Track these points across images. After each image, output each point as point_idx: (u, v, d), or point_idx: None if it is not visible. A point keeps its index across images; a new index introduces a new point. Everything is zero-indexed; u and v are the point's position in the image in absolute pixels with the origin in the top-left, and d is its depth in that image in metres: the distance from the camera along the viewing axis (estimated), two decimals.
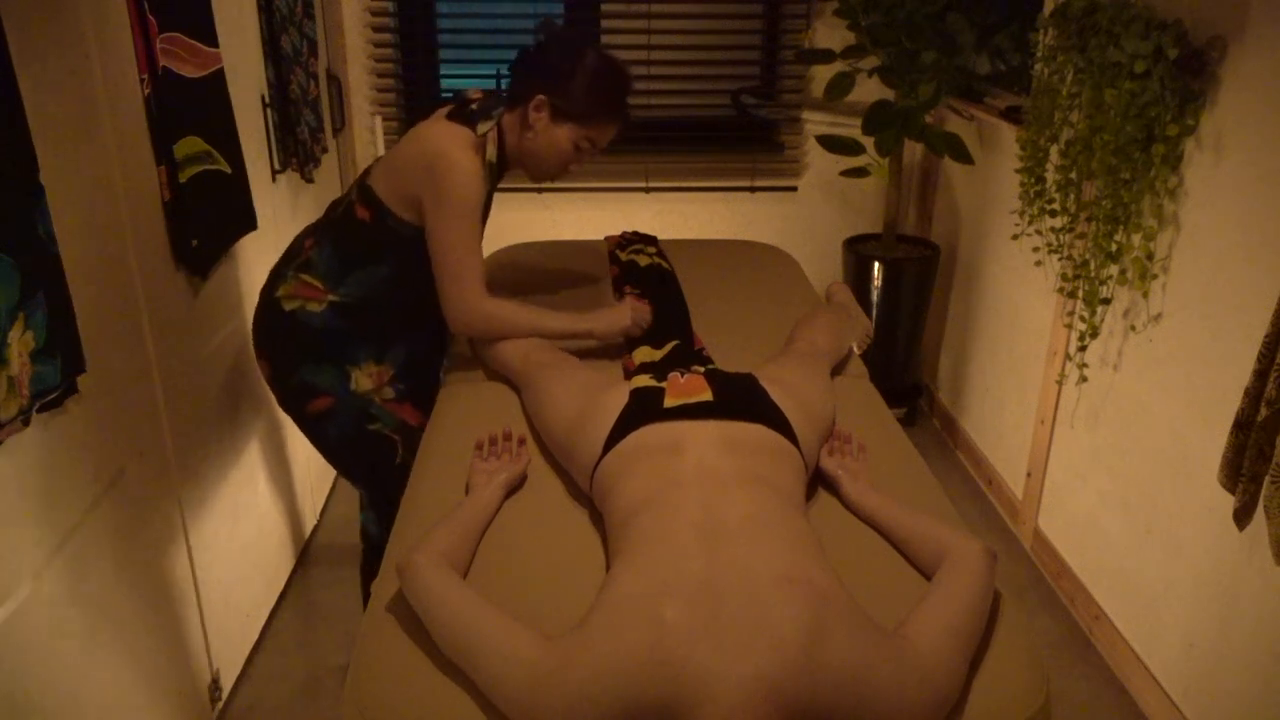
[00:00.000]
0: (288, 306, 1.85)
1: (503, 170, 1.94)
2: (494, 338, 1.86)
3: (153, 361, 1.80)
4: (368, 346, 1.90)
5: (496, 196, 2.97)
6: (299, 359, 1.88)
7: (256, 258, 2.34)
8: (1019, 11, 3.00)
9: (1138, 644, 2.26)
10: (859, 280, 3.32)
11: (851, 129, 3.49)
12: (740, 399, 1.50)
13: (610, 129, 1.88)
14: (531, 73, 1.82)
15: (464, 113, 1.83)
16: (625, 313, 1.94)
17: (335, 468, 2.01)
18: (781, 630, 1.05)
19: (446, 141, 1.74)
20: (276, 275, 1.90)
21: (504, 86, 1.90)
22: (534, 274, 2.47)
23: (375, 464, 1.96)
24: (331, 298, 1.85)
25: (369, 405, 1.92)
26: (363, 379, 1.91)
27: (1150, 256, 2.17)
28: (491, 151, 1.84)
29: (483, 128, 1.81)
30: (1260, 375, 1.59)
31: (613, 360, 1.96)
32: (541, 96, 1.80)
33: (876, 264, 3.27)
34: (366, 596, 2.04)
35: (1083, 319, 2.36)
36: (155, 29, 1.77)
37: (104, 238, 1.62)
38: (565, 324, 1.89)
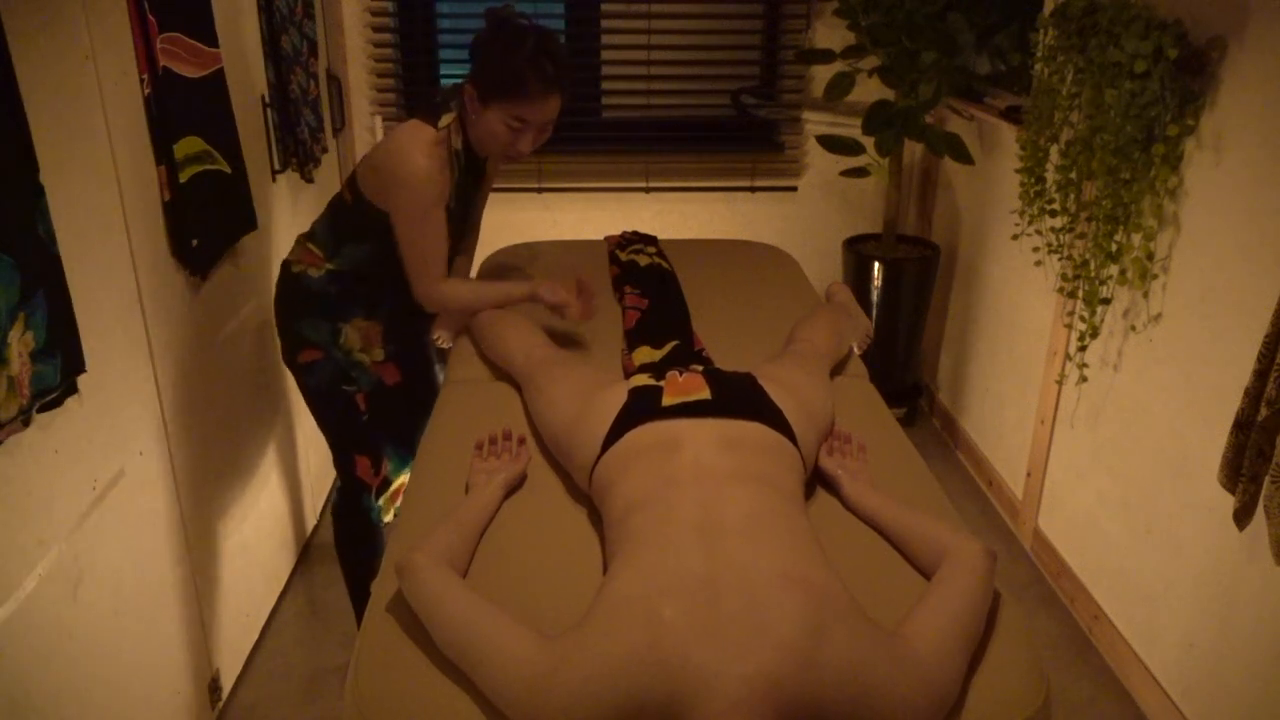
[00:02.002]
0: (295, 270, 2.07)
1: (476, 155, 2.05)
2: (455, 312, 2.06)
3: (153, 361, 1.80)
4: (358, 306, 2.08)
5: (496, 195, 2.96)
6: (300, 313, 2.07)
7: (256, 258, 2.34)
8: (1019, 11, 3.00)
9: (1138, 644, 2.26)
10: (859, 280, 3.32)
11: (851, 129, 3.49)
12: (739, 398, 1.50)
13: (539, 104, 1.86)
14: (469, 60, 1.91)
15: (429, 105, 1.95)
16: (563, 287, 1.99)
17: (312, 414, 2.19)
18: (780, 629, 1.05)
19: (406, 142, 1.87)
20: (296, 242, 2.12)
21: None
22: (534, 274, 2.47)
23: (339, 418, 2.15)
24: (328, 265, 2.04)
25: (351, 366, 2.10)
26: (352, 334, 2.09)
27: (1150, 256, 2.17)
28: (457, 140, 1.97)
29: (444, 121, 1.92)
30: (1260, 375, 1.59)
31: (613, 360, 1.96)
32: (468, 83, 1.90)
33: (876, 264, 3.27)
34: (350, 579, 2.27)
35: (1083, 319, 2.36)
36: (155, 29, 1.77)
37: (104, 238, 1.62)
38: (511, 289, 2.03)
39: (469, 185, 2.10)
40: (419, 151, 1.86)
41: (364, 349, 2.10)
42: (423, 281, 1.95)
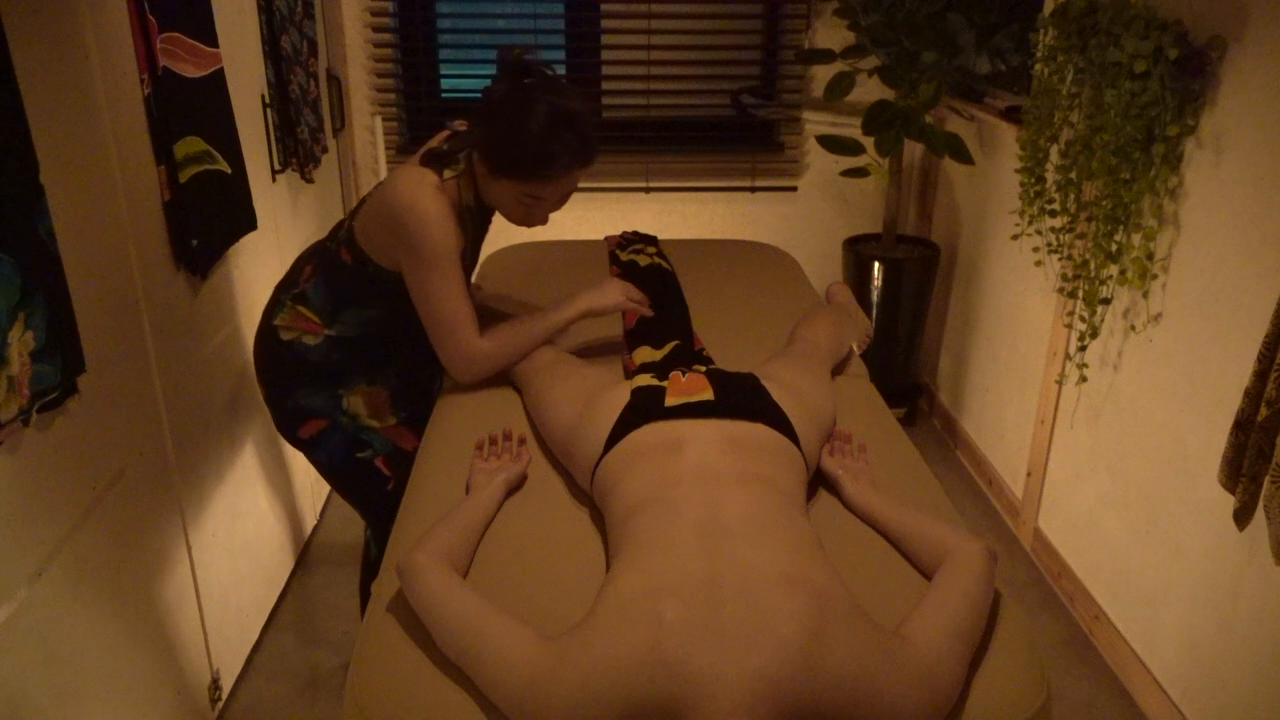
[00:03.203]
0: (285, 336, 1.84)
1: (487, 210, 1.86)
2: (501, 370, 1.81)
3: (153, 361, 1.80)
4: (360, 373, 1.90)
5: None
6: (295, 384, 1.88)
7: (256, 258, 2.34)
8: (1019, 11, 3.00)
9: (1138, 644, 2.26)
10: (859, 280, 3.32)
11: (851, 129, 3.49)
12: (741, 398, 1.50)
13: (555, 183, 1.67)
14: (478, 120, 1.69)
15: (436, 154, 1.74)
16: (615, 286, 1.87)
17: (333, 489, 2.03)
18: (781, 629, 1.05)
19: (412, 190, 1.65)
20: (276, 301, 1.88)
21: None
22: (534, 274, 2.47)
23: (364, 490, 1.96)
24: (328, 332, 1.84)
25: (360, 431, 1.91)
26: (357, 402, 1.90)
27: (1150, 256, 2.17)
28: (468, 195, 1.76)
29: (449, 174, 1.72)
30: (1260, 375, 1.59)
31: (613, 360, 1.96)
32: (477, 148, 1.70)
33: (876, 264, 3.27)
34: (364, 604, 2.08)
35: (1083, 319, 2.36)
36: (155, 29, 1.77)
37: (104, 238, 1.62)
38: (559, 317, 1.82)
39: (479, 233, 1.90)
40: (426, 196, 1.65)
41: (373, 415, 1.92)
42: (455, 345, 1.72)
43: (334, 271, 1.81)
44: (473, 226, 1.82)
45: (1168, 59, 1.96)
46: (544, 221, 1.76)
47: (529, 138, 1.61)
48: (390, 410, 1.93)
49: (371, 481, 1.92)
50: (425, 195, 1.65)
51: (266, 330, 1.87)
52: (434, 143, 1.80)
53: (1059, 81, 2.34)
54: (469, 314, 1.72)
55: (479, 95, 1.68)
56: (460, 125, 1.80)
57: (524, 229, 2.77)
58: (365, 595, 2.14)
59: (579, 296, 1.86)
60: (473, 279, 2.30)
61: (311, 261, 1.86)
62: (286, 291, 1.87)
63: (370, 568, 2.10)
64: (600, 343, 2.05)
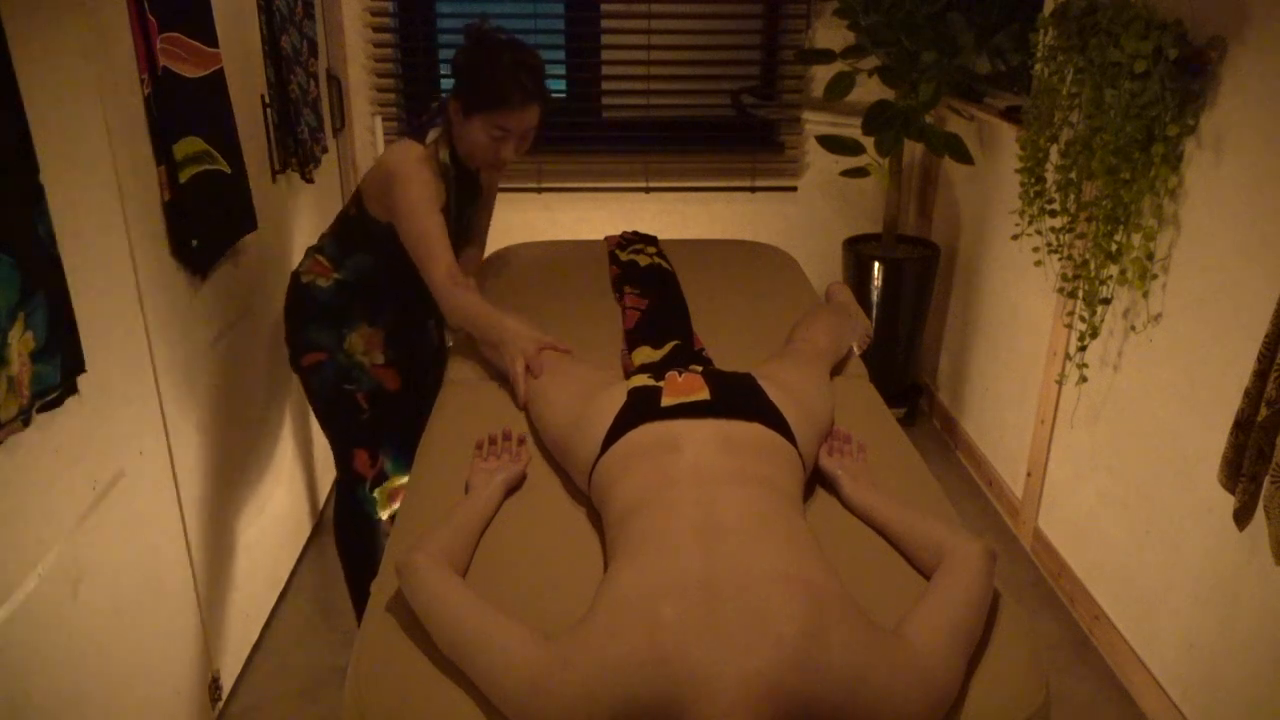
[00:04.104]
0: (304, 280, 2.16)
1: (465, 168, 2.12)
2: (460, 321, 1.99)
3: (153, 361, 1.80)
4: (362, 314, 2.16)
5: (497, 195, 2.95)
6: (308, 320, 2.16)
7: (256, 258, 2.34)
8: (1019, 11, 3.00)
9: (1138, 644, 2.26)
10: (859, 280, 3.32)
11: (851, 129, 3.49)
12: (738, 398, 1.50)
13: (519, 113, 1.96)
14: (452, 76, 2.02)
15: (420, 124, 2.08)
16: (522, 343, 1.85)
17: (315, 415, 2.25)
18: (780, 629, 1.05)
19: (397, 158, 1.99)
20: (305, 254, 2.20)
21: None
22: (534, 274, 2.47)
23: (343, 417, 2.20)
24: (336, 275, 2.13)
25: (353, 368, 2.16)
26: (356, 340, 2.16)
27: (1150, 256, 2.17)
28: (444, 154, 2.06)
29: (430, 137, 2.05)
30: (1260, 375, 1.58)
31: (613, 360, 1.96)
32: (451, 97, 2.00)
33: (876, 264, 3.27)
34: (350, 578, 2.31)
35: (1083, 319, 2.36)
36: (155, 29, 1.77)
37: (104, 238, 1.62)
38: (488, 326, 1.90)
39: (464, 198, 2.17)
40: (410, 158, 1.98)
41: (365, 352, 2.16)
42: (435, 271, 1.96)
43: (342, 224, 2.16)
44: (453, 184, 2.10)
45: (1168, 59, 1.96)
46: (511, 159, 2.04)
47: (495, 71, 1.94)
48: (381, 349, 2.18)
49: (351, 411, 2.18)
50: (409, 159, 1.98)
51: (294, 275, 2.19)
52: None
53: (1059, 81, 2.34)
54: (445, 246, 1.97)
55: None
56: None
57: (524, 233, 2.85)
58: (351, 571, 2.31)
59: (513, 330, 1.88)
60: (476, 268, 2.41)
61: (333, 223, 2.20)
62: (311, 247, 2.21)
63: (344, 525, 2.28)
64: (600, 343, 2.05)
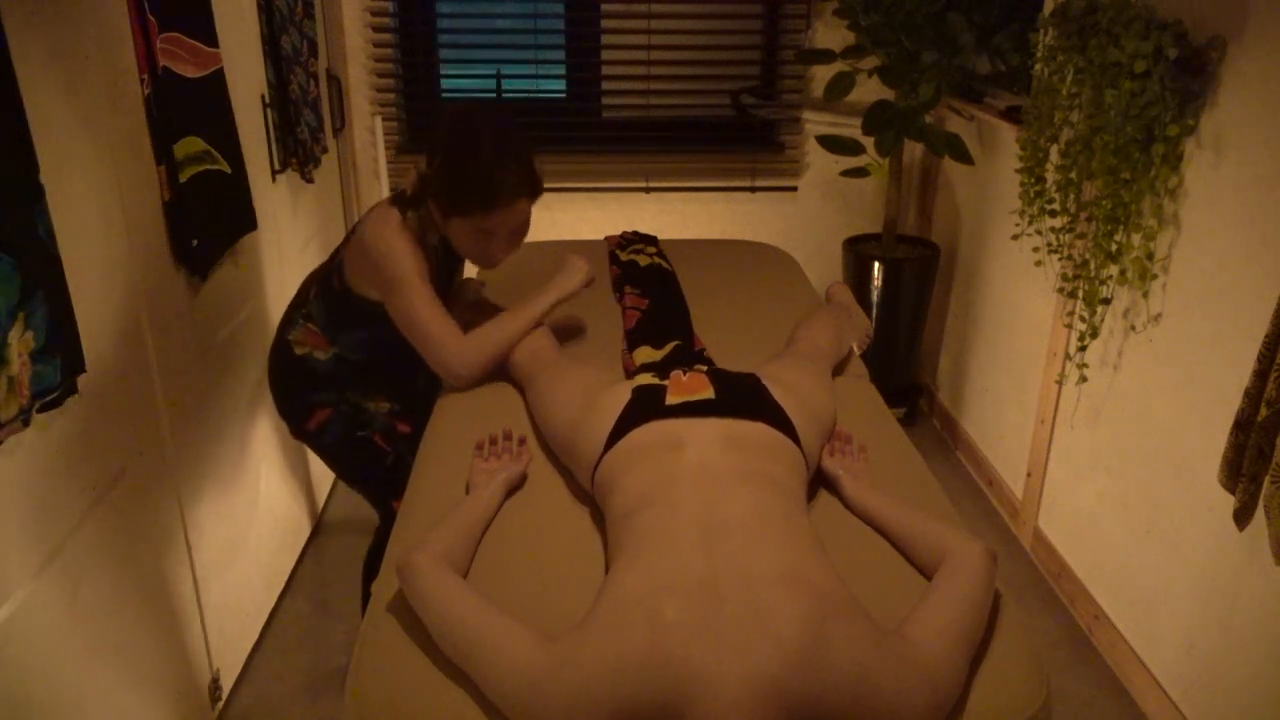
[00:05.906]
0: (299, 351, 2.00)
1: (454, 250, 1.95)
2: (494, 363, 1.86)
3: (153, 361, 1.80)
4: (366, 387, 2.04)
5: None
6: (309, 391, 2.02)
7: (256, 258, 2.34)
8: (1019, 11, 3.00)
9: (1138, 644, 2.26)
10: (859, 280, 3.32)
11: (851, 129, 3.49)
12: (742, 397, 1.50)
13: (503, 213, 1.76)
14: (427, 155, 1.81)
15: (402, 196, 1.86)
16: (577, 265, 1.95)
17: (338, 476, 2.12)
18: (782, 629, 1.05)
19: (377, 228, 1.81)
20: (289, 319, 2.03)
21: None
22: (533, 274, 2.47)
23: (366, 467, 2.06)
24: (335, 350, 1.99)
25: (361, 412, 2.03)
26: (360, 395, 2.04)
27: (1150, 256, 2.17)
28: (433, 236, 1.88)
29: (411, 217, 1.84)
30: (1260, 375, 1.59)
31: (614, 360, 1.96)
32: (430, 197, 1.81)
33: (876, 264, 3.27)
34: (365, 594, 2.15)
35: (1083, 319, 2.36)
36: (155, 29, 1.77)
37: (104, 238, 1.62)
38: (534, 309, 1.89)
39: (453, 260, 2.06)
40: (390, 232, 1.80)
41: (372, 400, 2.06)
42: (439, 352, 1.80)
43: (329, 296, 1.96)
44: (440, 258, 1.95)
45: (1168, 59, 1.96)
46: (502, 258, 1.86)
47: (474, 169, 1.72)
48: (387, 401, 2.06)
49: (372, 457, 2.03)
50: (389, 231, 1.80)
51: (282, 344, 2.02)
52: (406, 184, 1.89)
53: (1059, 81, 2.34)
54: (446, 322, 1.81)
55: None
56: (424, 167, 1.85)
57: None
58: (369, 578, 2.20)
59: (548, 286, 1.94)
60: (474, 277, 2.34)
61: (315, 284, 2.01)
62: (298, 310, 2.01)
63: (375, 551, 2.16)
64: (600, 343, 2.05)
